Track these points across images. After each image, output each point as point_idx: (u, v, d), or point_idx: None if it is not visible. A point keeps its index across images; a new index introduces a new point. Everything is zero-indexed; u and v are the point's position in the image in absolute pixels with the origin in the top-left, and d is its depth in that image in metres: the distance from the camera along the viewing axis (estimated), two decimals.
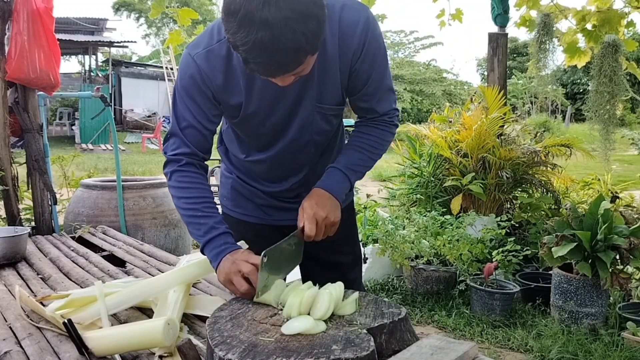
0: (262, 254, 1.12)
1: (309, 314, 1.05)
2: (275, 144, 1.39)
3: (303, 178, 1.46)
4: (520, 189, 4.26)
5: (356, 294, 1.14)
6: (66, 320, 1.17)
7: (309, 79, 1.25)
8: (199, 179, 1.33)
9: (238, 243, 1.30)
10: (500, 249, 3.34)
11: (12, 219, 2.91)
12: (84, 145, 14.23)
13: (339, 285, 1.14)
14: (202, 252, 1.30)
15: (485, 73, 4.94)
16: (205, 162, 1.38)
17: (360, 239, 3.72)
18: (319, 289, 1.12)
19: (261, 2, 0.95)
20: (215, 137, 1.42)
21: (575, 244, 2.78)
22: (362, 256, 2.08)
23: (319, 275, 1.36)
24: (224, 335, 0.98)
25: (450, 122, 4.77)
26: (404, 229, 3.59)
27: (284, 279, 1.24)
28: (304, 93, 1.28)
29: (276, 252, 1.18)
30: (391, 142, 1.44)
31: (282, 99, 1.28)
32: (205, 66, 1.24)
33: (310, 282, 1.17)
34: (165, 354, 1.12)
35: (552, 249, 2.83)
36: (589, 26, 4.40)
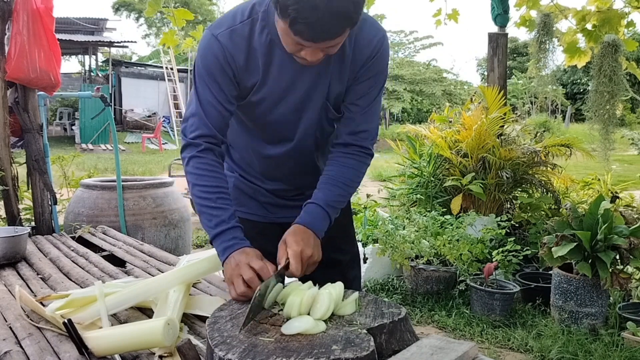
0: (257, 290, 1.09)
1: (309, 314, 1.05)
2: (282, 143, 1.40)
3: (305, 177, 1.47)
4: (520, 189, 4.26)
5: (356, 294, 1.14)
6: (66, 320, 1.17)
7: (323, 74, 1.28)
8: (216, 167, 1.31)
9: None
10: (500, 249, 3.34)
11: (12, 219, 2.91)
12: (84, 145, 14.24)
13: (339, 285, 1.14)
14: (211, 243, 1.29)
15: (485, 73, 4.95)
16: (223, 147, 1.37)
17: (360, 239, 3.75)
18: (319, 289, 1.12)
19: None
20: None
21: (575, 244, 2.78)
22: (363, 256, 2.07)
23: (319, 273, 1.37)
24: (224, 335, 0.98)
25: (450, 122, 4.77)
26: (404, 229, 3.59)
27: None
28: (316, 87, 1.30)
29: (265, 286, 1.15)
30: (365, 172, 1.43)
31: (294, 88, 1.30)
32: (229, 45, 1.25)
33: (310, 282, 1.17)
34: (165, 354, 1.12)
35: (552, 249, 2.83)
36: (589, 26, 4.41)
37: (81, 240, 2.69)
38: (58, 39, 2.91)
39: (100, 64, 19.31)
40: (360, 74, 1.30)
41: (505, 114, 4.16)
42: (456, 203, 3.98)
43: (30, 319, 1.37)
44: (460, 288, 3.27)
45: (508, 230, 3.63)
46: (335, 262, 1.57)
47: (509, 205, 4.22)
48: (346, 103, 1.35)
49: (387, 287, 3.56)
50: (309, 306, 1.06)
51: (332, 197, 1.34)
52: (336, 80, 1.30)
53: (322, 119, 1.37)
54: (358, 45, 1.27)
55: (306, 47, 1.12)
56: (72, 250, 2.36)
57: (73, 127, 15.85)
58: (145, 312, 1.44)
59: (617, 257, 2.76)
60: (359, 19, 1.09)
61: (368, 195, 4.91)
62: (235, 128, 1.48)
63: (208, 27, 1.30)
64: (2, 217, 3.05)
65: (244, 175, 1.53)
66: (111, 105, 3.52)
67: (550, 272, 3.15)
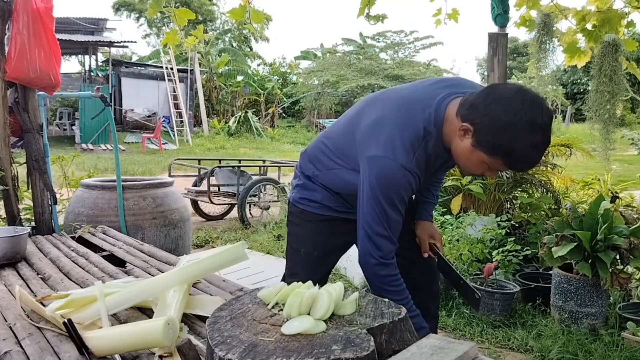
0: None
1: (309, 314, 1.05)
2: None
3: None
4: (520, 189, 4.26)
5: (356, 294, 1.14)
6: (66, 320, 1.17)
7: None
8: (401, 280, 1.55)
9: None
10: (500, 249, 3.33)
11: (12, 218, 2.91)
12: (84, 145, 14.23)
13: (339, 286, 1.14)
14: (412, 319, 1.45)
15: (486, 73, 4.94)
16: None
17: None
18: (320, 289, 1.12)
19: (539, 111, 1.25)
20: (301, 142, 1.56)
21: (575, 244, 2.78)
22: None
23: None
24: (224, 335, 0.98)
25: None
26: None
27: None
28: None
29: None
30: None
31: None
32: (418, 171, 1.43)
33: (310, 282, 1.17)
34: (165, 354, 1.12)
35: (552, 249, 2.83)
36: (589, 26, 4.40)
37: (81, 240, 2.70)
38: (58, 39, 2.91)
39: (100, 64, 19.30)
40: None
41: None
42: (456, 203, 3.98)
43: (30, 319, 1.37)
44: None
45: (508, 230, 3.62)
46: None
47: (509, 205, 4.21)
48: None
49: None
50: (309, 306, 1.06)
51: (437, 193, 1.87)
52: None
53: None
54: None
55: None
56: (72, 250, 2.36)
57: (73, 127, 15.84)
58: (145, 312, 1.44)
59: (617, 257, 2.75)
60: None
61: None
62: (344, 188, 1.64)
63: (389, 157, 1.40)
64: (2, 217, 3.05)
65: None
66: (111, 105, 3.52)
67: (550, 272, 3.15)
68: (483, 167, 1.37)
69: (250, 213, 6.07)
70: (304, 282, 1.16)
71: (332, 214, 1.71)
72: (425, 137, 1.41)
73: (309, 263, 1.75)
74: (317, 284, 1.16)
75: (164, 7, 3.84)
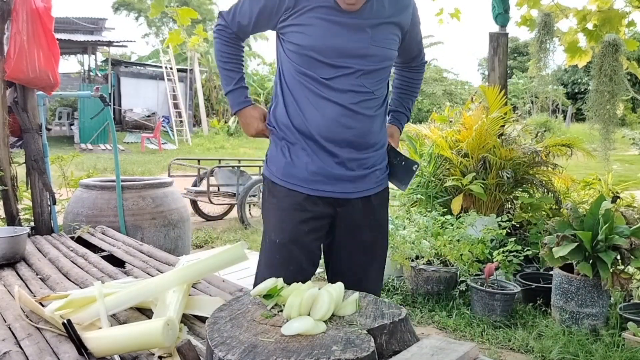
0: None
1: (309, 315, 1.04)
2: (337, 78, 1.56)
3: (358, 133, 1.60)
4: (521, 189, 4.26)
5: (356, 295, 1.14)
6: (65, 321, 1.17)
7: (364, 24, 1.54)
8: (237, 42, 1.66)
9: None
10: (501, 249, 3.33)
11: (11, 219, 2.91)
12: (83, 145, 14.22)
13: (339, 286, 1.14)
14: (226, 95, 1.67)
15: (486, 73, 4.94)
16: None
17: None
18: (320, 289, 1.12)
19: None
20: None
21: (576, 244, 2.78)
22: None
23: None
24: (224, 336, 0.97)
25: (451, 121, 4.77)
26: (404, 229, 3.58)
27: None
28: (360, 32, 1.55)
29: None
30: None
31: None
32: None
33: (310, 282, 1.17)
34: (165, 355, 1.12)
35: (553, 249, 2.82)
36: (589, 26, 4.41)
37: (80, 241, 2.69)
38: (57, 39, 2.91)
39: (99, 63, 19.29)
40: (411, 27, 1.66)
41: (505, 114, 4.15)
42: (457, 203, 3.97)
43: (30, 320, 1.36)
44: (461, 288, 3.26)
45: (509, 231, 3.62)
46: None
47: (509, 206, 4.21)
48: (414, 44, 1.74)
49: (387, 288, 3.56)
50: (309, 307, 1.05)
51: (410, 106, 1.92)
52: (381, 26, 1.58)
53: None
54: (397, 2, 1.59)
55: None
56: (72, 250, 2.36)
57: (72, 127, 15.85)
58: (145, 312, 1.43)
59: (618, 257, 2.75)
60: None
61: None
62: (294, 83, 1.60)
63: None
64: (2, 217, 3.04)
65: (297, 140, 1.61)
66: (110, 105, 3.52)
67: (551, 272, 3.14)
68: None
69: (250, 213, 6.06)
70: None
71: (290, 170, 1.59)
72: None
73: (272, 251, 1.57)
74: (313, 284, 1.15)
75: (166, 6, 3.84)
